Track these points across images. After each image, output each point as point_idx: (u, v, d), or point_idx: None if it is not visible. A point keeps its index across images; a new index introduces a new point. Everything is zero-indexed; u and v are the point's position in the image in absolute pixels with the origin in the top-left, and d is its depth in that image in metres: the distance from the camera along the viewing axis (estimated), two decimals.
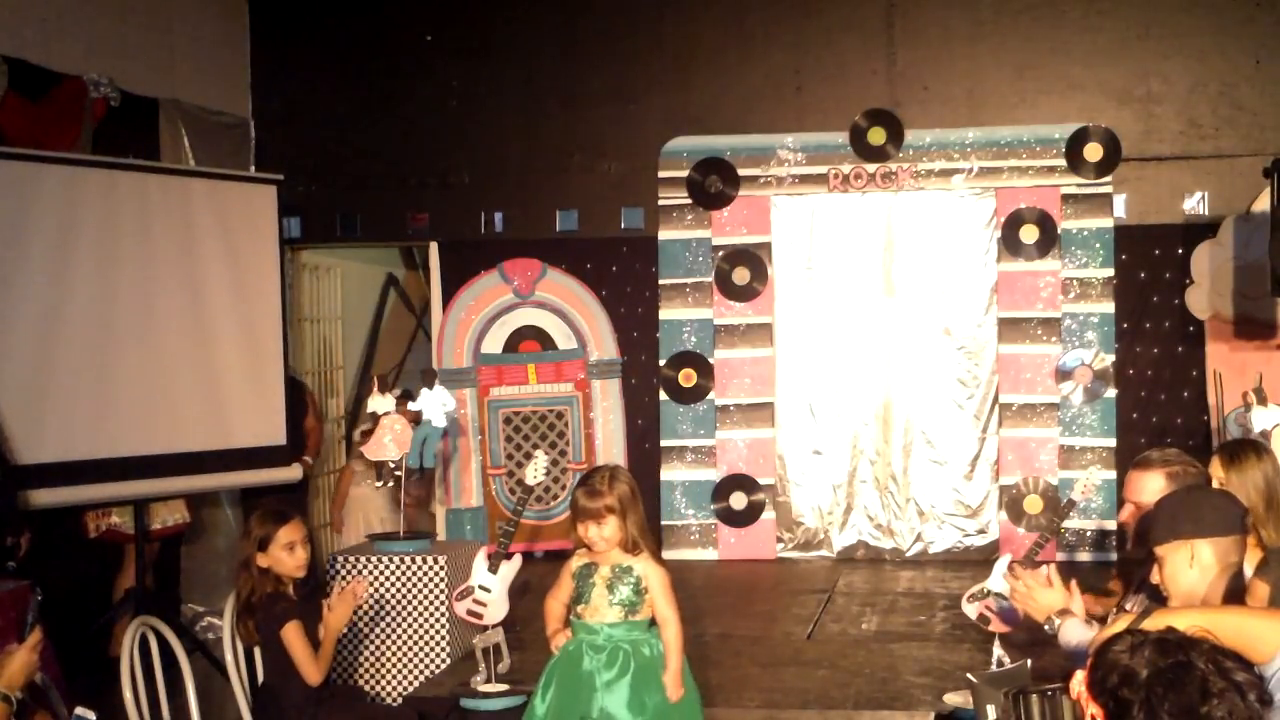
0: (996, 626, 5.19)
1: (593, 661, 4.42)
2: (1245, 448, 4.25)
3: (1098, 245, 8.63)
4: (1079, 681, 2.12)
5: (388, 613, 6.23)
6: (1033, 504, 8.64)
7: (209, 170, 8.04)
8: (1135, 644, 2.10)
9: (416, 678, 6.19)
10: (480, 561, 5.80)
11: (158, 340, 7.20)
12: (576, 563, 4.54)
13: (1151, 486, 4.08)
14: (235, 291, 7.62)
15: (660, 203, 9.06)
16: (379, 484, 8.62)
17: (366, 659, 6.23)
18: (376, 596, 6.21)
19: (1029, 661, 3.36)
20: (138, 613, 5.99)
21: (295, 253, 9.63)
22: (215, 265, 7.54)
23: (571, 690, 4.43)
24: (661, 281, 9.07)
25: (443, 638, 6.22)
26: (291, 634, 4.70)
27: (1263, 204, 7.88)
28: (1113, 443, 8.57)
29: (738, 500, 8.95)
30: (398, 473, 6.52)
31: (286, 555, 4.82)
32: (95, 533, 7.24)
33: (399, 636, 6.24)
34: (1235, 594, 3.10)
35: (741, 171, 8.97)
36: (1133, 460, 4.57)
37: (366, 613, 6.15)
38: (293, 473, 7.92)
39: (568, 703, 4.43)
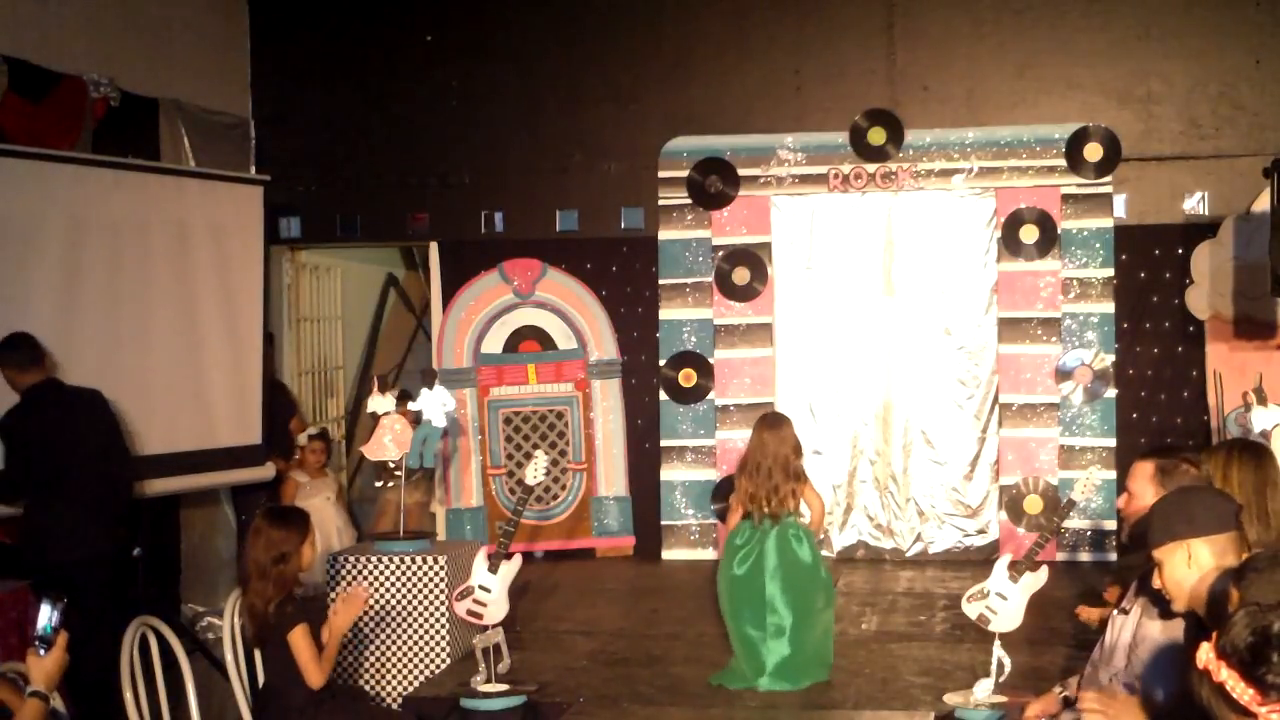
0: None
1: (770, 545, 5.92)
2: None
3: (1098, 245, 8.63)
4: (1207, 651, 2.20)
5: (388, 613, 6.23)
6: (1033, 504, 8.63)
7: (200, 170, 8.04)
8: (1262, 608, 2.24)
9: (416, 678, 6.19)
10: (480, 561, 5.80)
11: (157, 340, 7.22)
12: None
13: (1140, 476, 4.11)
14: (222, 293, 7.64)
15: (660, 203, 9.06)
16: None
17: (367, 659, 6.23)
18: (378, 597, 6.22)
19: None
20: (136, 613, 5.98)
21: (295, 253, 9.63)
22: (205, 267, 7.57)
23: (758, 566, 5.90)
24: (661, 281, 9.07)
25: (443, 638, 6.22)
26: (299, 636, 4.71)
27: (1263, 204, 7.88)
28: (1113, 443, 8.57)
29: None
30: (398, 473, 6.52)
31: (310, 551, 4.90)
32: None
33: (399, 637, 6.24)
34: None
35: (741, 171, 8.96)
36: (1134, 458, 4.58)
37: (368, 613, 6.15)
38: (265, 471, 7.93)
39: (755, 573, 5.88)
